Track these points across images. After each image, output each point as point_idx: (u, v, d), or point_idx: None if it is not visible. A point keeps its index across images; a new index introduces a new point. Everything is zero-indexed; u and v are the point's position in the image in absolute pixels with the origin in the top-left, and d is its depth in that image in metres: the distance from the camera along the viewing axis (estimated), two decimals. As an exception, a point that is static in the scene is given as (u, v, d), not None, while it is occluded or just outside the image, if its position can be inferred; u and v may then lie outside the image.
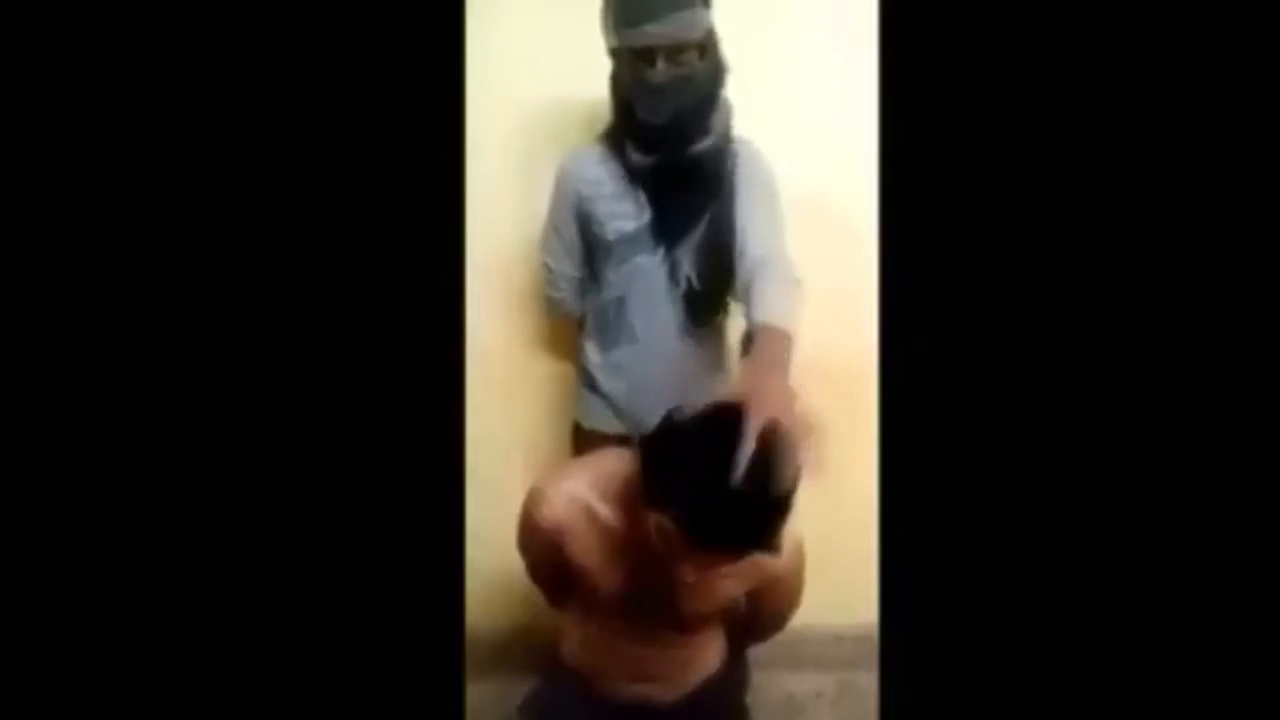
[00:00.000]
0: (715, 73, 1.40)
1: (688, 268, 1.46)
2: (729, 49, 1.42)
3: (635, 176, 1.44)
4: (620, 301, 1.50)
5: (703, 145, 1.40)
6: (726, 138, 1.45)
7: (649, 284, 1.48)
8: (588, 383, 1.58)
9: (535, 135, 1.72)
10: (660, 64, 1.33)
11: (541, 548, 1.13)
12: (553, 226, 1.56)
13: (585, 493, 1.10)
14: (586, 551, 1.10)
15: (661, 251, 1.46)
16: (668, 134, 1.38)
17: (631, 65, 1.36)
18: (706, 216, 1.44)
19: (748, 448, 0.89)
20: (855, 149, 1.56)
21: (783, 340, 1.11)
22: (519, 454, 1.83)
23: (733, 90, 1.44)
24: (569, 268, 1.56)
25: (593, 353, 1.56)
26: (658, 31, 1.32)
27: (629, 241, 1.46)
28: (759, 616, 1.23)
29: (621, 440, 1.47)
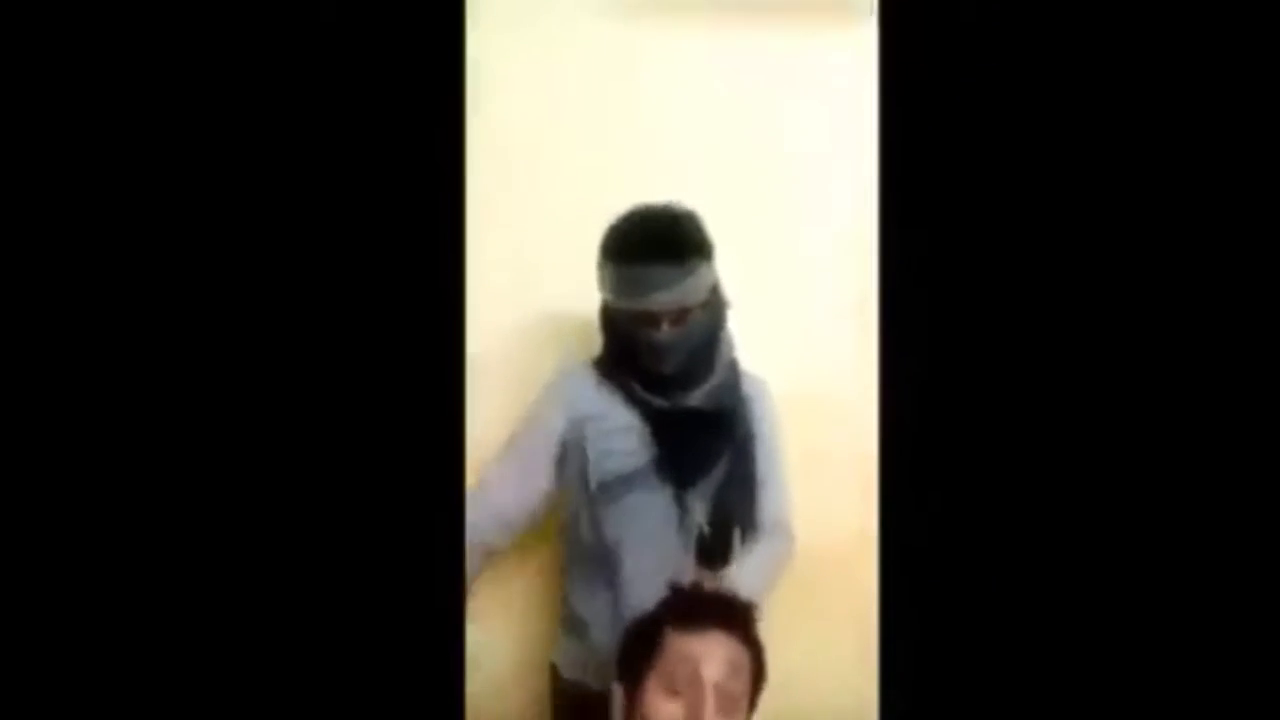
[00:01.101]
0: (718, 315, 1.34)
1: (700, 514, 1.30)
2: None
3: (641, 413, 1.33)
4: (615, 543, 1.32)
5: (710, 384, 1.34)
6: (733, 371, 1.38)
7: (649, 526, 1.32)
8: (571, 628, 1.39)
9: (535, 348, 1.63)
10: (665, 326, 1.27)
11: None
12: (520, 454, 1.35)
13: None
14: None
15: (669, 493, 1.33)
16: (673, 381, 1.31)
17: (632, 322, 1.28)
18: (723, 462, 1.34)
19: None
20: (855, 339, 1.52)
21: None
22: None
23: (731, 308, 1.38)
24: (530, 502, 1.34)
25: (578, 598, 1.37)
26: (665, 299, 1.24)
27: (627, 480, 1.32)
28: None
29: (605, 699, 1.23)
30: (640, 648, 1.00)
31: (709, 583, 1.17)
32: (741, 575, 1.22)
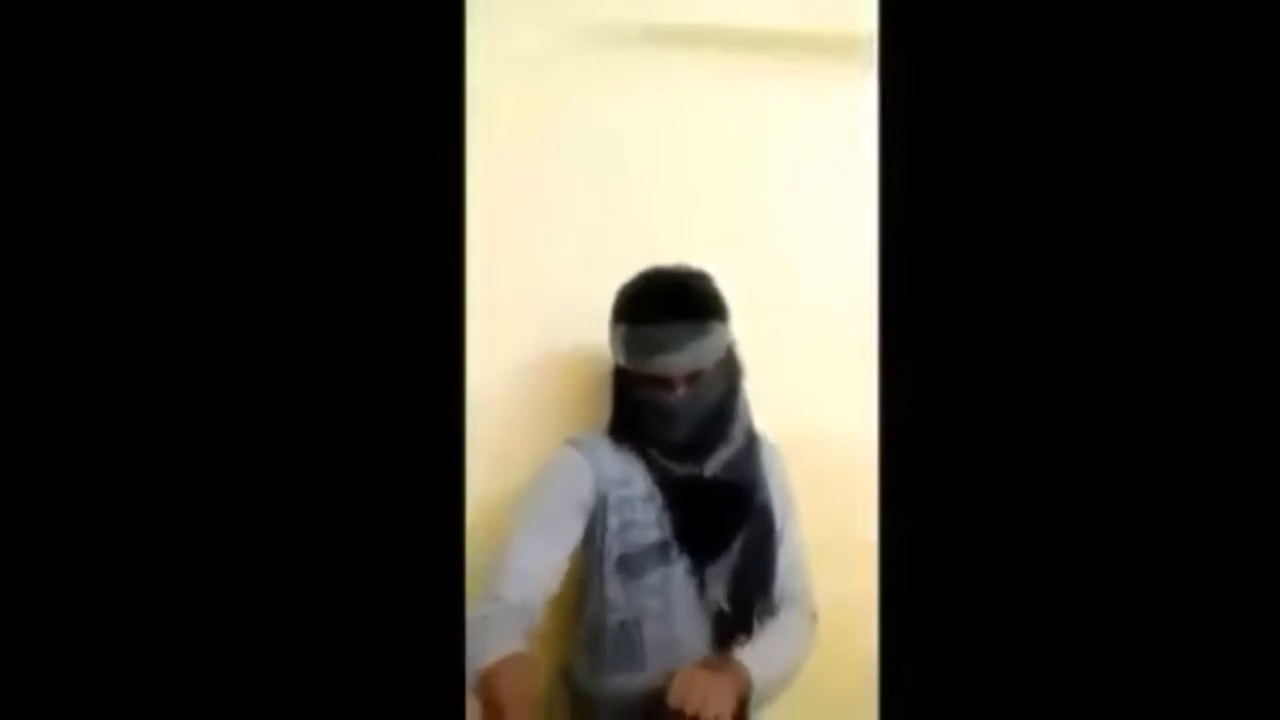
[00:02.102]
0: (733, 377, 1.30)
1: (718, 591, 1.27)
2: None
3: (658, 480, 1.28)
4: (635, 624, 1.26)
5: (727, 452, 1.30)
6: (751, 439, 1.34)
7: (667, 604, 1.26)
8: (578, 706, 1.32)
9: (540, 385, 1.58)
10: (679, 390, 1.23)
11: None
12: (537, 523, 1.24)
13: None
14: None
15: (684, 566, 1.27)
16: (689, 448, 1.27)
17: (644, 384, 1.24)
18: (741, 535, 1.29)
19: None
20: (857, 391, 1.47)
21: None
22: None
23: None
24: (563, 569, 1.24)
25: (590, 680, 1.29)
26: (680, 361, 1.21)
27: (645, 554, 1.26)
28: None
29: None
30: None
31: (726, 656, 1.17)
32: (753, 655, 1.20)
